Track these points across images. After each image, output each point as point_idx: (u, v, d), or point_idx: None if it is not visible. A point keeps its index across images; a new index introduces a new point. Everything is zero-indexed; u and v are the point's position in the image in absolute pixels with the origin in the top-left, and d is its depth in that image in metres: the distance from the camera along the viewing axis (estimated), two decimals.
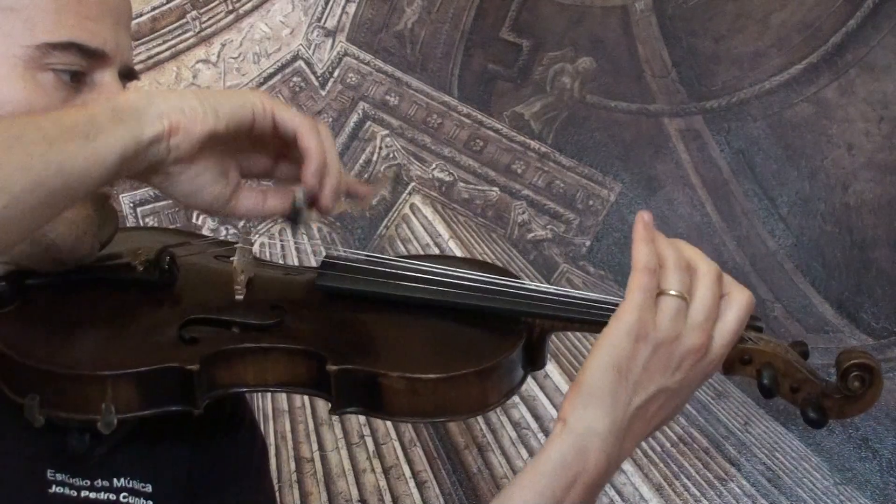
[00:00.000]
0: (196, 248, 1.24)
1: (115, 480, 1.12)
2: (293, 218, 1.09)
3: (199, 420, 1.09)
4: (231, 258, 1.16)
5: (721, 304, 1.11)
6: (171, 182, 1.05)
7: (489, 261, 2.30)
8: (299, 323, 1.11)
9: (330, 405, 1.08)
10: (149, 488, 1.14)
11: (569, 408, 1.07)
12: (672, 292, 1.08)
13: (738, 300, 1.11)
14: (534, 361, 1.17)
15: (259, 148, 1.10)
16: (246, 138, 1.07)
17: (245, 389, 1.11)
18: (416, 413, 1.09)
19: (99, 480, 1.11)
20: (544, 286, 1.19)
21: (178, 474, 1.19)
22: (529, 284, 1.19)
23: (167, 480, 1.17)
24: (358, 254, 1.20)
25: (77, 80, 1.09)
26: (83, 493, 1.10)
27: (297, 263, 2.15)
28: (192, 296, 1.15)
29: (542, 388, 2.20)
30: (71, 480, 1.10)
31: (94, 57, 1.09)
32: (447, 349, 1.13)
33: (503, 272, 1.24)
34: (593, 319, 1.13)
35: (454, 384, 1.07)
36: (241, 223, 2.40)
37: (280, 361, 1.08)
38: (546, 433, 2.17)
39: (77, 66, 1.09)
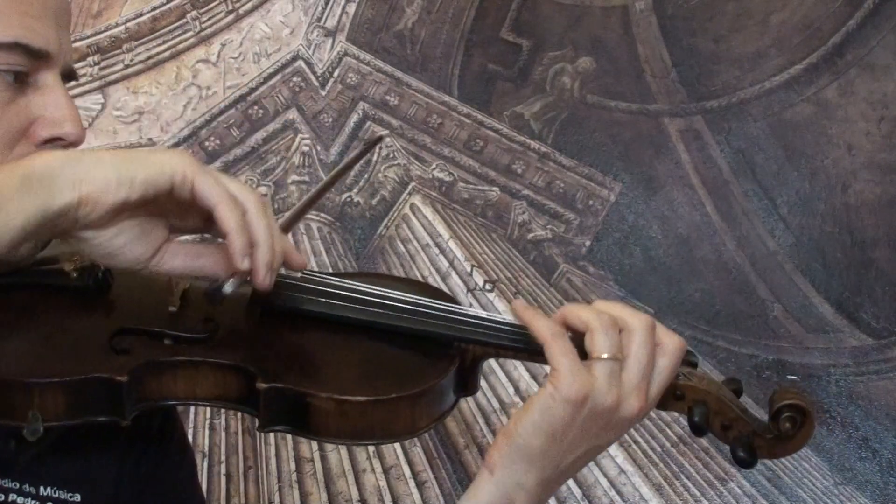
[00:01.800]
0: None
1: (41, 489, 1.12)
2: (211, 295, 1.05)
3: (129, 432, 1.08)
4: None
5: (657, 353, 1.09)
6: (83, 244, 1.00)
7: (488, 261, 2.30)
8: (231, 338, 1.10)
9: (258, 422, 1.07)
10: (77, 498, 1.14)
11: (497, 457, 1.07)
12: (604, 356, 1.06)
13: (670, 351, 1.09)
14: (466, 387, 1.16)
15: (188, 209, 1.05)
16: (171, 202, 1.01)
17: (174, 402, 1.10)
18: (344, 435, 1.08)
19: (27, 486, 1.11)
20: (480, 312, 1.18)
21: (106, 486, 1.19)
22: (465, 310, 1.18)
23: (96, 491, 1.16)
24: (293, 273, 1.19)
25: (20, 81, 1.08)
26: (11, 497, 1.10)
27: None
28: (126, 305, 1.13)
29: None
30: (1, 482, 1.10)
31: (38, 57, 1.08)
32: (379, 372, 1.11)
33: (441, 295, 1.22)
34: (526, 348, 1.12)
35: (383, 408, 1.07)
36: None
37: (210, 376, 1.06)
38: None
39: (21, 66, 1.07)
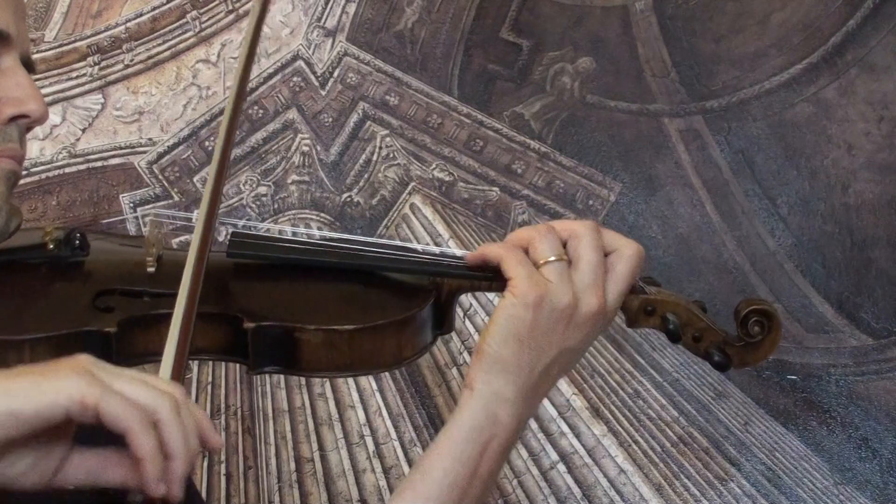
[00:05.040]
0: (102, 235, 1.26)
1: None
2: None
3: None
4: (142, 237, 1.18)
5: (612, 259, 1.15)
6: None
7: None
8: (212, 291, 1.12)
9: (247, 367, 1.10)
10: None
11: (474, 375, 1.12)
12: (550, 258, 1.12)
13: (627, 253, 1.16)
14: (441, 324, 1.20)
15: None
16: (71, 423, 0.91)
17: (160, 359, 1.11)
18: (333, 367, 1.11)
19: None
20: (450, 250, 1.22)
21: None
22: (434, 249, 1.22)
23: None
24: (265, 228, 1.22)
25: None
26: None
27: None
28: (104, 269, 1.16)
29: None
30: None
31: None
32: (361, 304, 1.16)
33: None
34: (497, 277, 1.17)
35: (370, 336, 1.10)
36: (242, 222, 2.39)
37: (196, 328, 1.07)
38: (546, 433, 2.17)
39: None
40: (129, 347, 1.07)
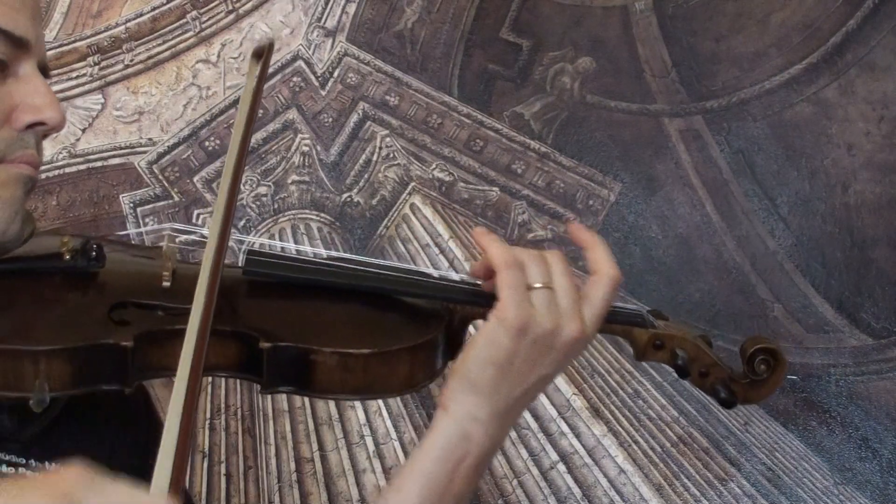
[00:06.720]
0: (116, 246, 1.25)
1: (47, 464, 1.13)
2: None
3: (124, 410, 1.09)
4: (158, 248, 1.18)
5: (589, 284, 1.14)
6: None
7: None
8: (228, 308, 1.12)
9: (260, 386, 1.09)
10: None
11: (449, 394, 1.11)
12: (537, 284, 1.11)
13: (604, 280, 1.14)
14: (453, 351, 1.19)
15: None
16: None
17: (174, 373, 1.11)
18: (346, 390, 1.11)
19: (33, 461, 1.12)
20: (465, 277, 1.21)
21: (102, 461, 1.20)
22: (449, 274, 1.22)
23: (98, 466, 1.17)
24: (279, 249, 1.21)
25: (0, 70, 1.10)
26: (20, 470, 1.11)
27: None
28: (120, 282, 1.16)
29: None
30: (7, 457, 1.11)
31: (18, 46, 1.10)
32: (376, 328, 1.15)
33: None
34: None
35: (385, 360, 1.10)
36: (241, 223, 2.40)
37: (210, 344, 1.07)
38: (546, 433, 2.17)
39: (1, 54, 1.09)
40: (145, 361, 1.06)
